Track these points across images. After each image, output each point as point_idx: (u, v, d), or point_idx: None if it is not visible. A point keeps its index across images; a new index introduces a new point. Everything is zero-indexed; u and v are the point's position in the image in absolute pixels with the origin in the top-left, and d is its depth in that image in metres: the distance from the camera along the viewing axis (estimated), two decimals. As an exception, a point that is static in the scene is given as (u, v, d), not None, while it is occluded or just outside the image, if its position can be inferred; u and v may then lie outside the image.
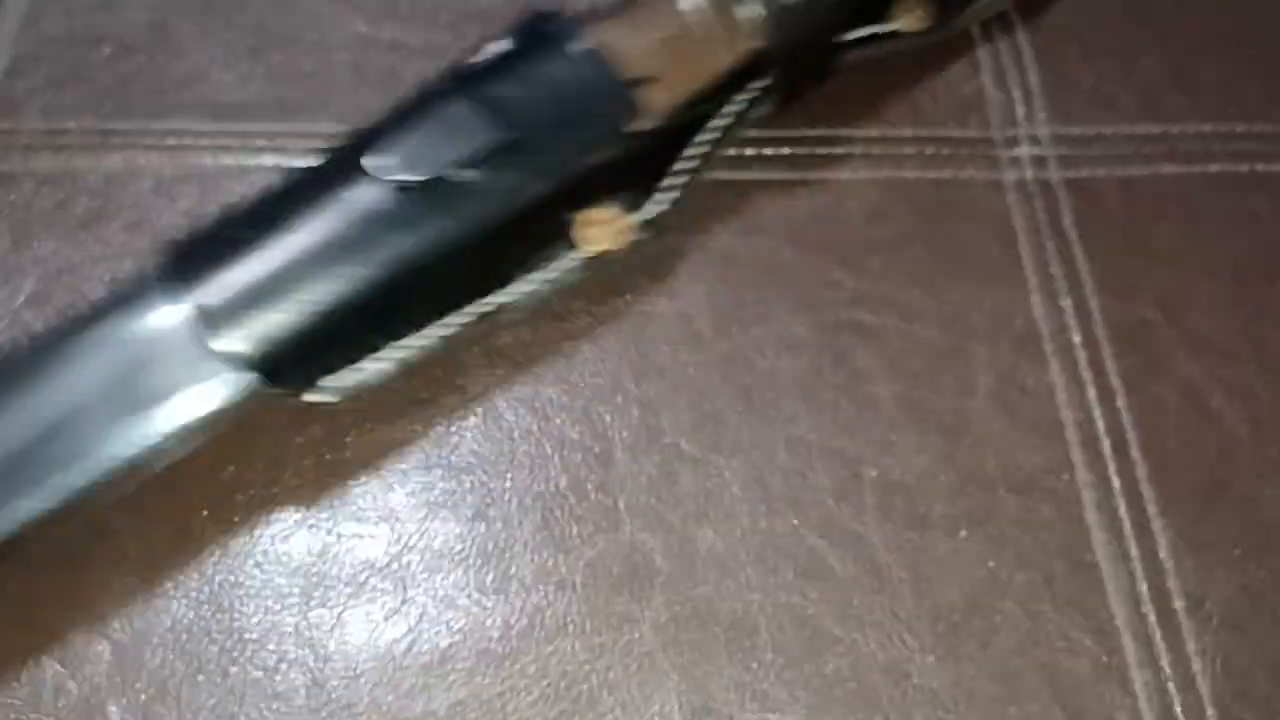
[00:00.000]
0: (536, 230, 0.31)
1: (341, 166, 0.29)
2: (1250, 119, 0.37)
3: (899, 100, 0.37)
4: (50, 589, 0.29)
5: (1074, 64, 0.38)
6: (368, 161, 0.28)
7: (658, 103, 0.30)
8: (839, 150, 0.36)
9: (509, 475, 0.31)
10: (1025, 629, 0.29)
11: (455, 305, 0.31)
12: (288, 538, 0.30)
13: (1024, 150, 0.36)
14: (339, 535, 0.30)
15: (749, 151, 0.36)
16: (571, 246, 0.31)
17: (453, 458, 0.31)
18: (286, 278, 0.28)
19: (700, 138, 0.32)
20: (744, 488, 0.31)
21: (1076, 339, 0.33)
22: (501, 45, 0.31)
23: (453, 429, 0.31)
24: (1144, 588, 0.30)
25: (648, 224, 0.32)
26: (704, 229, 0.34)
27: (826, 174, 0.35)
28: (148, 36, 0.38)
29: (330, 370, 0.30)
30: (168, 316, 0.28)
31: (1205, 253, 0.34)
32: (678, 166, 0.32)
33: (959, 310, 0.33)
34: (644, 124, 0.30)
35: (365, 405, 0.31)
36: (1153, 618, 0.29)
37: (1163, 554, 0.30)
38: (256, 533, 0.30)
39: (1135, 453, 0.31)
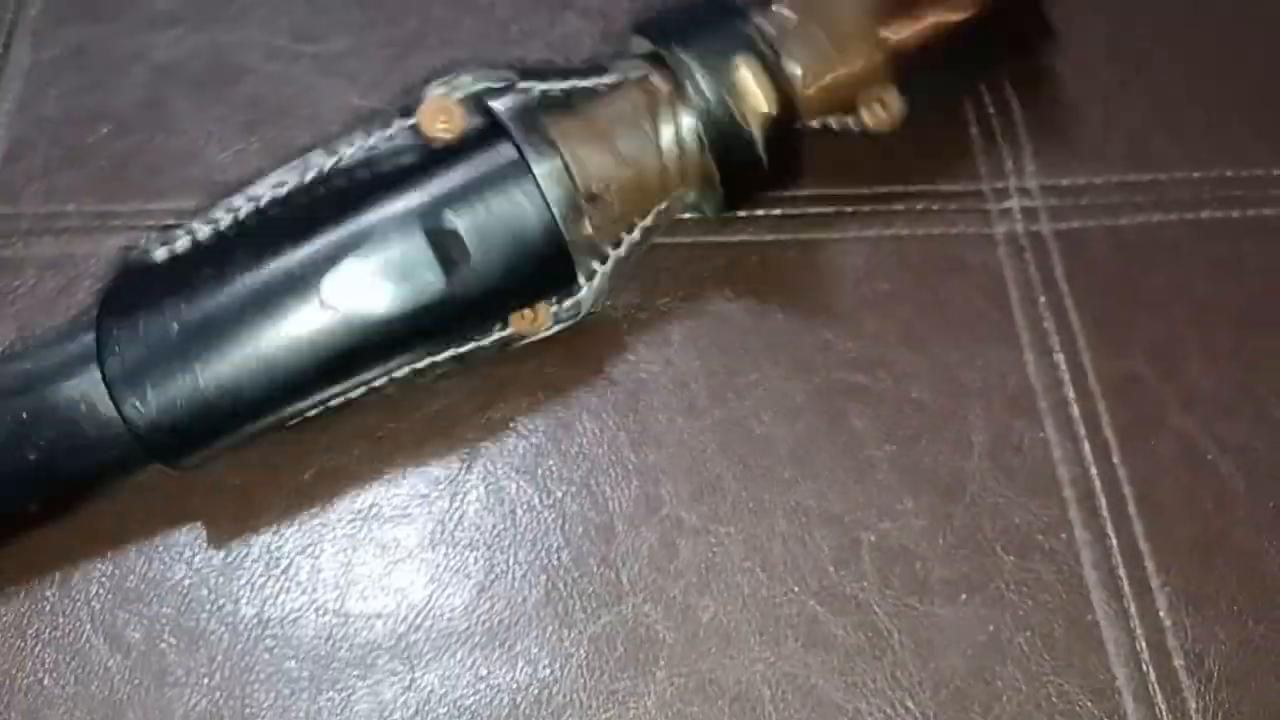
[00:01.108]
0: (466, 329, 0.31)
1: (291, 280, 0.29)
2: (1239, 164, 0.37)
3: (887, 155, 0.37)
4: (63, 683, 0.29)
5: (1062, 113, 0.38)
6: (321, 285, 0.29)
7: (605, 218, 0.31)
8: (829, 209, 0.36)
9: (512, 550, 0.31)
10: (1027, 693, 0.29)
11: (371, 379, 0.31)
12: (296, 620, 0.30)
13: (1014, 203, 0.36)
14: (346, 616, 0.30)
15: (740, 214, 0.36)
16: (502, 325, 0.32)
17: (456, 533, 0.31)
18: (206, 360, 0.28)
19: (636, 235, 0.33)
20: (744, 556, 0.31)
21: (1070, 395, 0.33)
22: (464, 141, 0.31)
23: (455, 503, 0.32)
24: (1144, 646, 0.30)
25: (574, 306, 0.32)
26: (697, 293, 0.35)
27: (817, 234, 0.36)
28: (143, 113, 0.38)
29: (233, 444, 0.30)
30: (86, 380, 0.29)
31: (1197, 302, 0.35)
32: (612, 254, 0.32)
33: (952, 369, 0.33)
34: (586, 233, 0.31)
35: (368, 481, 0.32)
36: (1153, 677, 0.29)
37: (1162, 612, 0.30)
38: (265, 615, 0.30)
39: (1132, 509, 0.32)
